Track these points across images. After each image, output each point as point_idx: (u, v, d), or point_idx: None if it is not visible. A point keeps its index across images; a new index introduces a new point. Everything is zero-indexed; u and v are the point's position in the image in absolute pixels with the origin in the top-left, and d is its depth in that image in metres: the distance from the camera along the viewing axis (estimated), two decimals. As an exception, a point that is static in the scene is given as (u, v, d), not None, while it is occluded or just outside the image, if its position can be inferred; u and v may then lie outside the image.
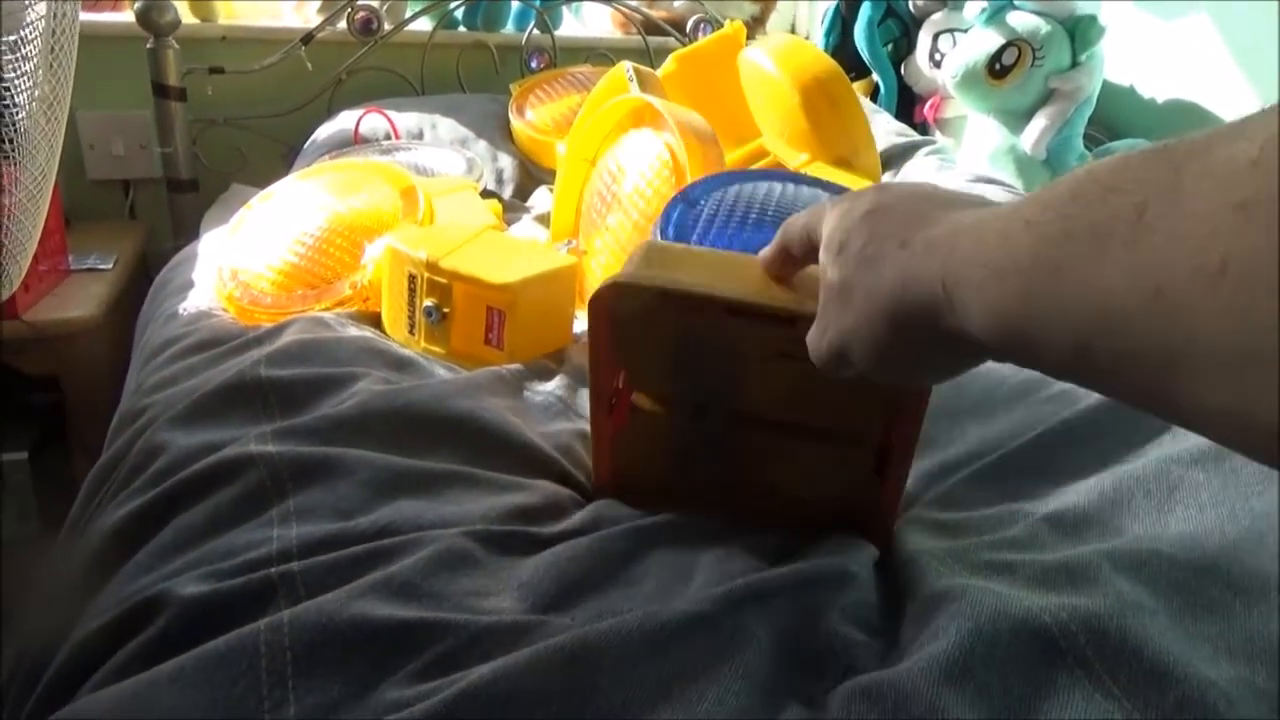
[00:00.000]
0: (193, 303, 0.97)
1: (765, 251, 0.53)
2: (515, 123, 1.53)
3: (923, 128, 1.65)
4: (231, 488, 0.59)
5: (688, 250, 0.60)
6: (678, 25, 1.85)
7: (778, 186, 0.89)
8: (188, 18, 1.59)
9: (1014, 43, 1.35)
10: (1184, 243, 0.25)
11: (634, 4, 1.84)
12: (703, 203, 0.84)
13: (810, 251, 0.48)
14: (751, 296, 0.52)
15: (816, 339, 0.46)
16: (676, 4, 1.87)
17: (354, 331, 0.84)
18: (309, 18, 1.68)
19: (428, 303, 0.85)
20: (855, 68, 1.67)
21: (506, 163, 1.48)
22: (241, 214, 1.06)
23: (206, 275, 1.03)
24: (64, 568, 0.63)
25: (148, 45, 1.46)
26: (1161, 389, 0.26)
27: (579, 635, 0.44)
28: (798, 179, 0.92)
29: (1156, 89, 1.46)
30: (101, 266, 1.40)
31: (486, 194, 1.33)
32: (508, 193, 1.43)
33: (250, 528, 0.56)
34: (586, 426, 0.75)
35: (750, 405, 0.59)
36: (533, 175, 1.47)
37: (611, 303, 0.55)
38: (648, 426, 0.61)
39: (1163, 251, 0.25)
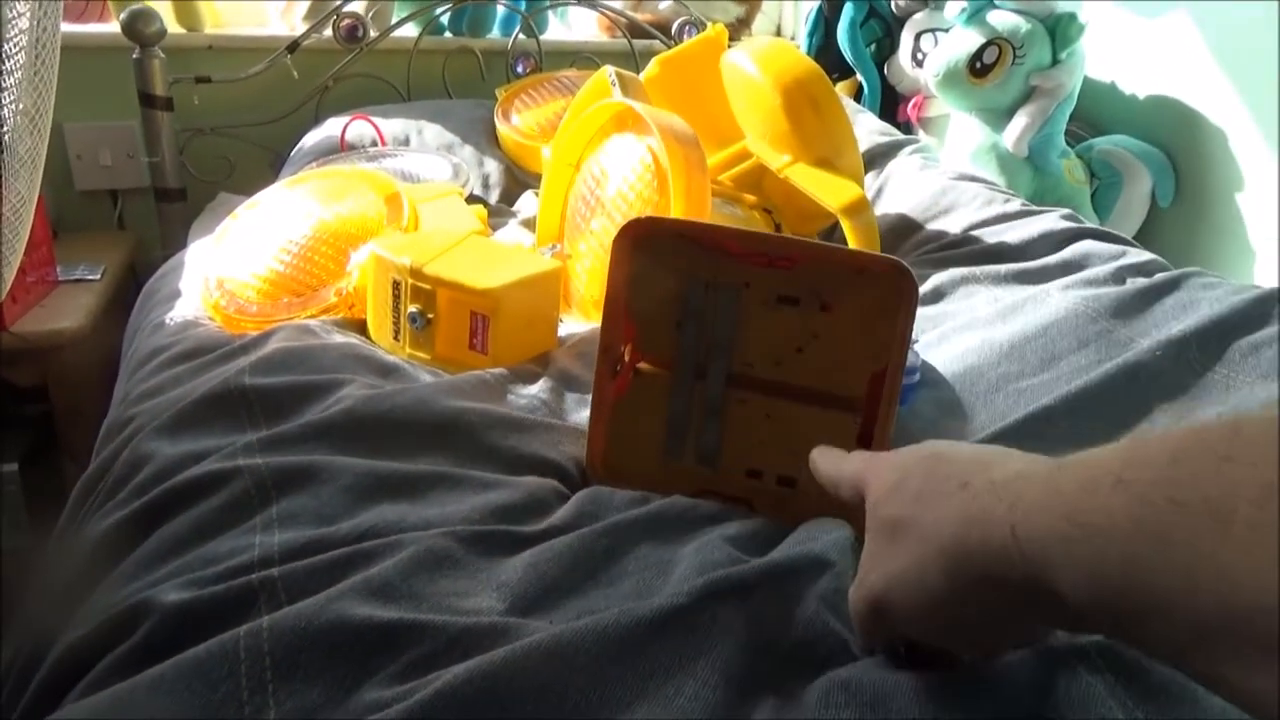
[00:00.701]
0: (179, 312, 0.97)
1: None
2: (501, 128, 1.53)
3: (906, 127, 1.66)
4: (216, 497, 0.60)
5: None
6: (663, 28, 1.85)
7: None
8: (173, 27, 1.59)
9: (995, 41, 1.36)
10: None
11: (618, 7, 1.85)
12: None
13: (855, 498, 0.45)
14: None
15: (856, 587, 0.42)
16: (662, 7, 1.87)
17: (339, 338, 0.85)
18: (295, 26, 1.69)
19: (412, 309, 0.85)
20: (839, 68, 1.68)
21: (493, 168, 1.48)
22: (227, 223, 1.06)
23: (193, 284, 1.03)
24: (51, 577, 0.64)
25: (134, 56, 1.46)
26: None
27: (554, 634, 0.45)
28: None
29: (1137, 85, 1.47)
30: (90, 277, 1.40)
31: (472, 199, 1.34)
32: (494, 197, 1.44)
33: (233, 535, 0.56)
34: (571, 426, 0.76)
35: (747, 362, 0.63)
36: (519, 180, 1.48)
37: (634, 238, 0.62)
38: (648, 391, 0.65)
39: None
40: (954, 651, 0.42)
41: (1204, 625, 0.25)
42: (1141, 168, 1.38)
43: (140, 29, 1.44)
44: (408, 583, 0.51)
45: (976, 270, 1.04)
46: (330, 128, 1.52)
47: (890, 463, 0.42)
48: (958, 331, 0.92)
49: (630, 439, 0.66)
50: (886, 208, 1.29)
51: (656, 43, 1.84)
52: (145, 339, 0.95)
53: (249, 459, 0.62)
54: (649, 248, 0.63)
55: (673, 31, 1.84)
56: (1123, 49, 1.48)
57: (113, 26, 1.56)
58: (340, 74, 1.67)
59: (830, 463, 0.49)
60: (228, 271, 0.98)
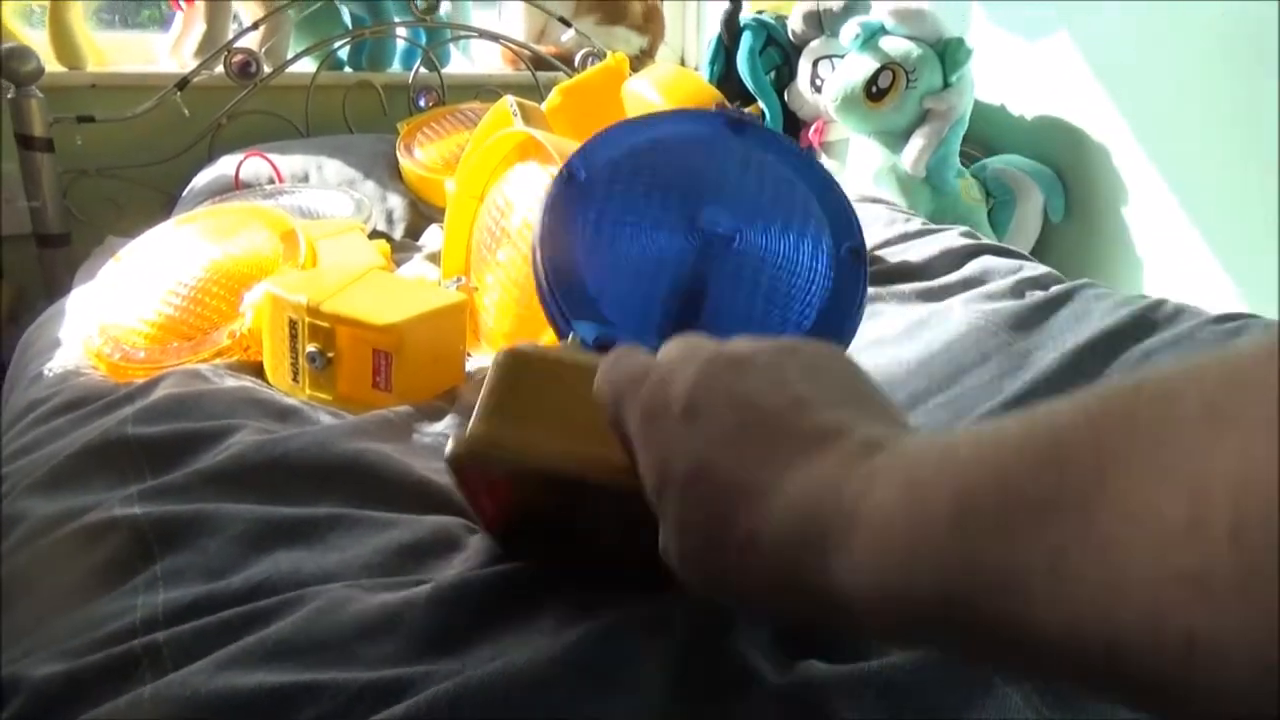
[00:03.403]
0: (59, 362, 0.92)
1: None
2: (404, 161, 1.51)
3: (809, 151, 1.69)
4: (92, 555, 0.56)
5: (553, 370, 0.48)
6: (566, 60, 1.86)
7: (674, 134, 0.69)
8: (53, 65, 1.52)
9: (888, 66, 1.39)
10: (1130, 607, 0.19)
11: (521, 40, 1.85)
12: (582, 174, 0.66)
13: None
14: (609, 472, 0.42)
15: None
16: (564, 38, 1.88)
17: (232, 382, 0.81)
18: (185, 62, 1.63)
19: (310, 348, 0.82)
20: (740, 95, 1.70)
21: (396, 202, 1.46)
22: (111, 265, 1.01)
23: (74, 332, 0.98)
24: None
25: (8, 96, 1.39)
26: None
27: (463, 681, 0.42)
28: (701, 118, 0.71)
29: (1025, 106, 1.53)
30: (-36, 329, 1.32)
31: (376, 234, 1.31)
32: (398, 232, 1.41)
33: (113, 597, 0.52)
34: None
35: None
36: (423, 214, 1.45)
37: (466, 469, 0.49)
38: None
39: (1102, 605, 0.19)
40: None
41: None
42: (1033, 185, 1.44)
43: (15, 67, 1.37)
44: (306, 636, 0.48)
45: (882, 290, 1.06)
46: (224, 166, 1.47)
47: (690, 380, 0.32)
48: (867, 348, 0.93)
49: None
50: (793, 230, 1.30)
51: (560, 75, 1.84)
52: (21, 392, 0.89)
53: (127, 510, 0.58)
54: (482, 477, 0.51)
55: (576, 63, 1.85)
56: (1010, 72, 1.53)
57: (-15, 66, 1.48)
58: (234, 111, 1.62)
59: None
60: (112, 317, 0.93)
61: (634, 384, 0.34)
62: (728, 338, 0.35)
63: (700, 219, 0.65)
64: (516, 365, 0.49)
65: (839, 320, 0.63)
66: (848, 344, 0.64)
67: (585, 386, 0.42)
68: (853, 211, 0.66)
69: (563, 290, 0.62)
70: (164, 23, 1.75)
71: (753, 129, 0.68)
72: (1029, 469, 0.21)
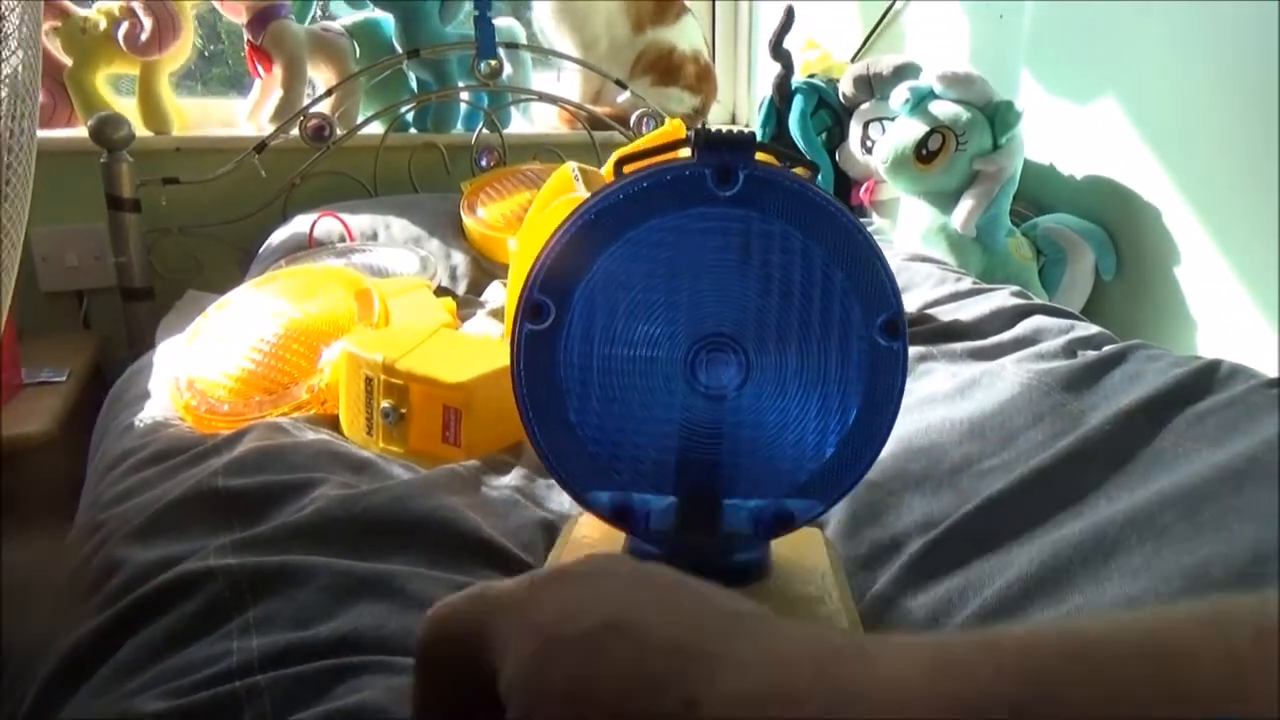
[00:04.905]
0: (149, 413, 0.97)
1: None
2: (467, 220, 1.57)
3: (860, 210, 1.72)
4: (190, 602, 0.60)
5: None
6: (622, 120, 1.92)
7: (653, 228, 0.53)
8: (141, 130, 1.62)
9: (938, 129, 1.43)
10: None
11: (578, 101, 1.92)
12: (550, 313, 0.53)
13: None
14: None
15: None
16: (619, 99, 1.94)
17: (311, 435, 0.85)
18: (262, 126, 1.72)
19: (385, 404, 0.87)
20: (792, 157, 1.74)
21: (460, 259, 1.51)
22: (198, 323, 1.07)
23: (162, 384, 1.03)
24: (19, 690, 0.62)
25: (101, 160, 1.49)
26: None
27: None
28: (680, 188, 0.53)
29: (1074, 166, 1.54)
30: (55, 379, 1.40)
31: (441, 291, 1.36)
32: (461, 288, 1.46)
33: (209, 642, 0.56)
34: (548, 515, 0.77)
35: None
36: (486, 270, 1.50)
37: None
38: None
39: None
40: None
41: None
42: (1084, 244, 1.45)
43: (108, 134, 1.46)
44: (396, 708, 0.50)
45: (934, 349, 1.08)
46: (298, 224, 1.54)
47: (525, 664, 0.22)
48: (919, 406, 0.95)
49: None
50: (844, 289, 1.33)
51: (615, 134, 1.90)
52: (114, 441, 0.95)
53: (222, 560, 0.62)
54: None
55: (631, 123, 1.91)
56: (1059, 133, 1.55)
57: (80, 131, 1.58)
58: (307, 172, 1.70)
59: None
60: (198, 371, 0.99)
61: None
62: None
63: (701, 373, 0.55)
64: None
65: (876, 416, 0.55)
66: (886, 436, 0.55)
67: None
68: (888, 272, 0.54)
69: (561, 460, 0.54)
70: (235, 82, 1.85)
71: (747, 183, 0.53)
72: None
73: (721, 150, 0.54)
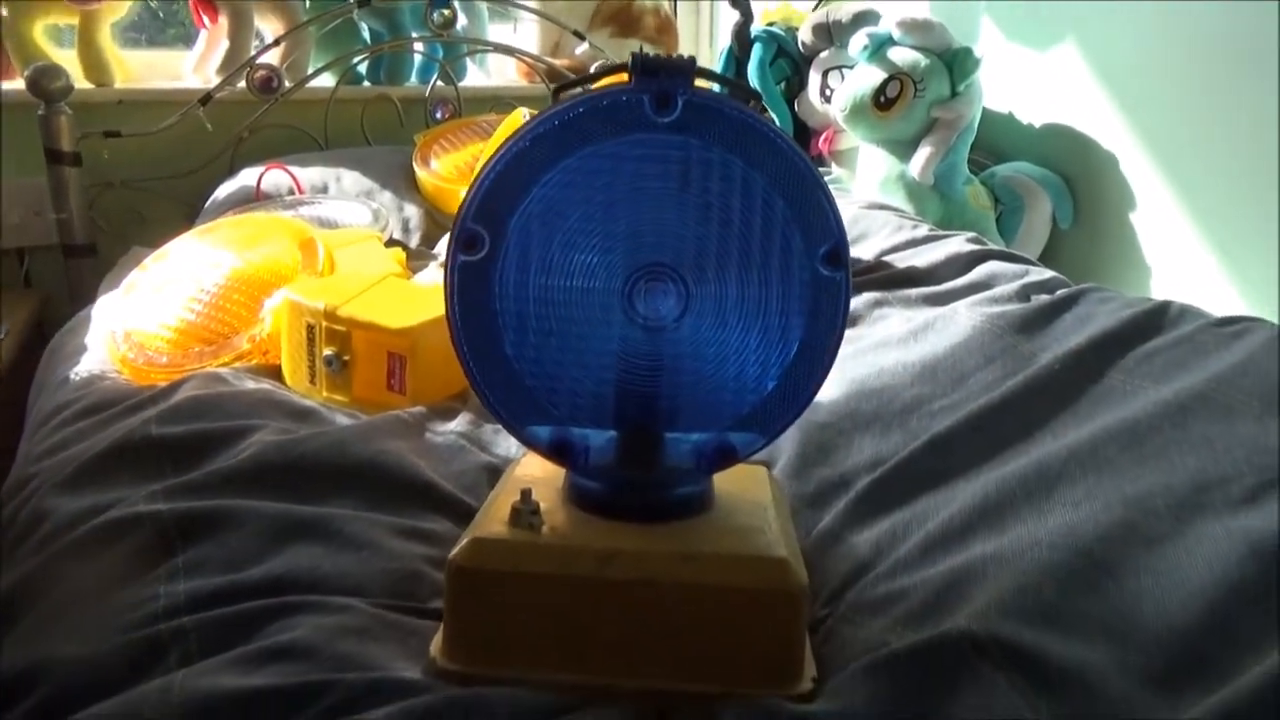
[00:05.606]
0: (85, 366, 0.95)
1: None
2: (420, 172, 1.54)
3: (819, 160, 1.71)
4: (117, 549, 0.58)
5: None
6: (580, 73, 1.89)
7: (588, 156, 0.53)
8: (81, 83, 1.56)
9: (896, 76, 1.41)
10: None
11: (536, 53, 1.88)
12: (485, 243, 0.53)
13: None
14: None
15: None
16: (578, 52, 1.91)
17: (251, 385, 0.83)
18: (209, 78, 1.67)
19: (327, 351, 0.85)
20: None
21: (412, 212, 1.48)
22: (135, 274, 1.04)
23: (99, 338, 1.01)
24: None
25: (39, 112, 1.43)
26: None
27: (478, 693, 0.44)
28: (619, 114, 0.53)
29: (1034, 115, 1.54)
30: (-6, 338, 1.36)
31: (393, 243, 1.33)
32: (414, 241, 1.43)
33: (137, 587, 0.55)
34: (493, 459, 0.76)
35: None
36: (439, 223, 1.48)
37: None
38: None
39: None
40: None
41: None
42: (1042, 192, 1.44)
43: (45, 85, 1.41)
44: (328, 647, 0.49)
45: (888, 294, 1.07)
46: (245, 178, 1.50)
47: None
48: (873, 350, 0.94)
49: None
50: (802, 238, 1.32)
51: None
52: (49, 396, 0.92)
53: (151, 506, 0.60)
54: None
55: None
56: (1018, 81, 1.55)
57: (18, 83, 1.53)
58: (256, 125, 1.65)
59: None
60: (136, 323, 0.96)
61: None
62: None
63: (639, 303, 0.54)
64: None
65: (818, 347, 0.55)
66: (829, 368, 0.55)
67: None
68: (830, 202, 0.53)
69: (498, 395, 0.54)
70: (189, 41, 1.79)
71: (685, 109, 0.52)
72: None
73: (659, 75, 0.54)
